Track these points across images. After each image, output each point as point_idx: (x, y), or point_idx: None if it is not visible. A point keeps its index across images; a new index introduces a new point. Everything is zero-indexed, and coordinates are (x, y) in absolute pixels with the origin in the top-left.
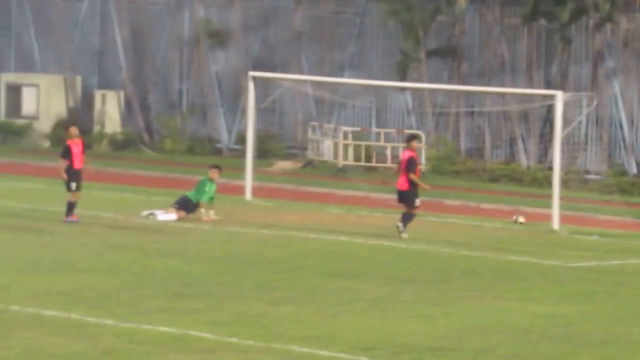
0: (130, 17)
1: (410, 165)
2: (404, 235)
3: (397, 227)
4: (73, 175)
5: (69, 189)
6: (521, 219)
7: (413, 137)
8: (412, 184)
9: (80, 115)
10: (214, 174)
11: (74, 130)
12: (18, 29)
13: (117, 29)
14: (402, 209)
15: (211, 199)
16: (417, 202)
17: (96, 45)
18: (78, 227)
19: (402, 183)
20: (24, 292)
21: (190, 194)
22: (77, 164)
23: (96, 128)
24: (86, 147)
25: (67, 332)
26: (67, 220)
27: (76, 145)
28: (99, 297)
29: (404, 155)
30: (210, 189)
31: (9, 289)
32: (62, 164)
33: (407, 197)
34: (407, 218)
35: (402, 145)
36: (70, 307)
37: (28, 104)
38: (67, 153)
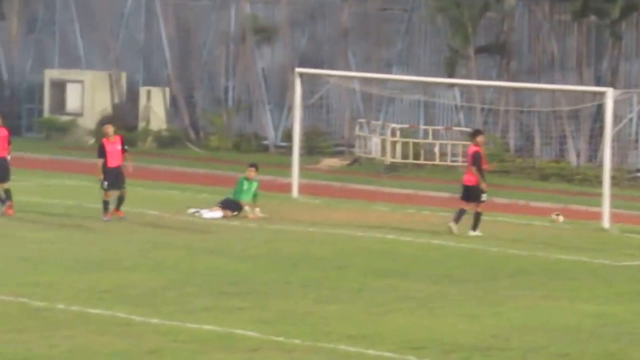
0: (176, 13)
1: (474, 160)
2: (474, 233)
3: (472, 236)
4: (107, 173)
5: (102, 187)
6: (561, 218)
7: (478, 132)
8: (478, 180)
9: (125, 112)
10: (250, 172)
11: (108, 128)
12: (62, 25)
13: (162, 25)
14: (461, 205)
15: (255, 196)
16: (484, 197)
17: (141, 42)
18: (122, 225)
19: (467, 178)
20: (68, 290)
21: (231, 194)
22: (112, 163)
23: (141, 125)
24: (131, 144)
25: (112, 330)
26: (105, 220)
27: (111, 144)
28: (144, 295)
29: (469, 150)
30: (249, 187)
31: (54, 287)
32: (98, 163)
33: (473, 193)
34: (476, 219)
35: (450, 142)
36: (114, 305)
37: (72, 100)
38: (101, 152)
